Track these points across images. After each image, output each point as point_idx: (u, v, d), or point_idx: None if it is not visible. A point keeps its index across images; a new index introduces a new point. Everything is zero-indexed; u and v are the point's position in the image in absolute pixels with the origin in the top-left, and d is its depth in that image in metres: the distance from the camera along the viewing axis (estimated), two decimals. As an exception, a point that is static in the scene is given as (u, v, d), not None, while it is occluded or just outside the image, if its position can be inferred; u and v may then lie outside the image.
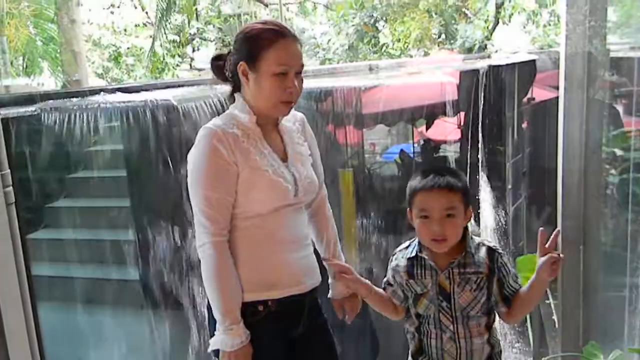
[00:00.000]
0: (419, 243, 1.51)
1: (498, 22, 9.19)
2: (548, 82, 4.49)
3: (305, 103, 2.87)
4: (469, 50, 8.63)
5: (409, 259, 1.52)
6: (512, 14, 9.17)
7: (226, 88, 1.58)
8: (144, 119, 2.30)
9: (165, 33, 9.68)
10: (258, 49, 1.44)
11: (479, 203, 3.82)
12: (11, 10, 8.36)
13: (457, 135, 4.42)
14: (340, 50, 9.13)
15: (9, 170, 1.44)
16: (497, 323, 1.56)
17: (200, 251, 1.45)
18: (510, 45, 8.48)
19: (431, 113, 4.50)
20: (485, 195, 3.91)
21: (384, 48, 9.31)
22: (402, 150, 5.24)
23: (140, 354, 2.83)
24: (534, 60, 4.46)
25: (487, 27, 9.12)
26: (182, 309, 2.58)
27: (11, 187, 1.42)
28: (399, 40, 9.21)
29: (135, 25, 11.39)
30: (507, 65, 4.09)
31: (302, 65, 1.49)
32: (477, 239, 1.51)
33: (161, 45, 10.01)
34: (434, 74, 4.16)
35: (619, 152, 2.95)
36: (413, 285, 1.50)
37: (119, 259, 3.02)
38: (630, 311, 2.50)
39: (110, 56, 11.13)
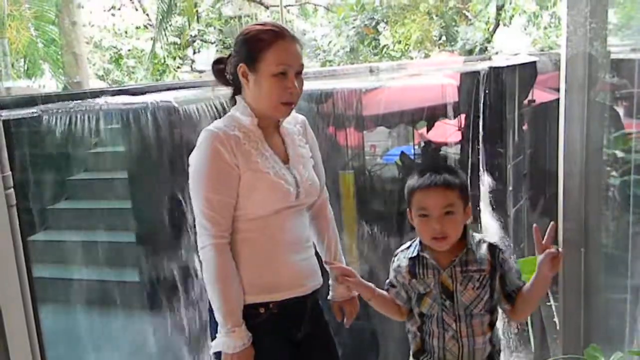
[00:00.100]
0: (420, 242, 1.51)
1: (499, 24, 9.20)
2: (549, 84, 4.50)
3: (306, 105, 2.88)
4: (470, 52, 8.64)
5: (410, 258, 1.52)
6: (513, 15, 9.18)
7: (227, 90, 1.58)
8: (145, 121, 2.30)
9: (165, 35, 9.69)
10: (257, 50, 1.44)
11: (479, 205, 3.82)
12: (12, 12, 8.37)
13: (457, 137, 4.42)
14: (341, 53, 9.13)
15: (10, 173, 1.45)
16: (499, 323, 1.56)
17: (202, 253, 1.45)
18: (511, 47, 8.48)
19: (432, 115, 4.50)
20: (486, 197, 3.90)
21: (385, 50, 9.31)
22: (402, 152, 5.24)
23: (141, 356, 2.83)
24: (534, 62, 4.46)
25: (488, 29, 9.13)
26: (183, 311, 2.58)
27: (12, 189, 1.42)
28: (399, 42, 9.22)
29: (136, 28, 11.41)
30: (507, 67, 4.09)
31: (302, 66, 1.49)
32: (477, 236, 1.51)
33: (162, 47, 10.03)
34: (434, 76, 4.17)
35: (619, 154, 2.95)
36: (416, 285, 1.50)
37: (120, 261, 3.02)
38: (632, 313, 2.49)
39: (111, 58, 11.15)
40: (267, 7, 10.92)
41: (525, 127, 4.57)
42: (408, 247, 1.55)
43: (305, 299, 1.54)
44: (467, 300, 1.46)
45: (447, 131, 4.59)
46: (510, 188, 4.06)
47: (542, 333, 3.60)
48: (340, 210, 3.26)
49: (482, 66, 3.96)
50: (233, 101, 1.56)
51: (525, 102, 4.54)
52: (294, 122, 1.62)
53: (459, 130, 4.35)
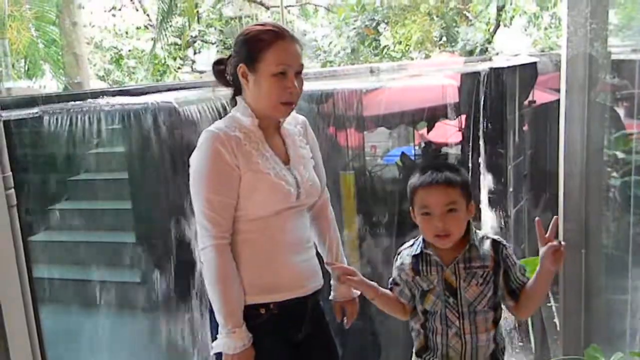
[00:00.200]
0: (423, 240, 1.51)
1: (499, 25, 9.20)
2: (549, 84, 4.50)
3: (307, 105, 2.88)
4: (470, 52, 8.64)
5: (414, 256, 1.51)
6: (513, 16, 9.18)
7: (228, 91, 1.58)
8: (146, 121, 2.30)
9: (166, 36, 9.70)
10: (257, 51, 1.44)
11: (479, 205, 3.81)
12: (13, 12, 8.37)
13: (458, 137, 4.43)
14: (342, 54, 9.13)
15: (10, 173, 1.45)
16: (502, 321, 1.55)
17: (202, 254, 1.45)
18: (512, 48, 8.48)
19: (432, 115, 4.50)
20: (487, 197, 3.90)
21: (385, 51, 9.31)
22: (403, 152, 5.24)
23: (142, 357, 2.83)
24: (535, 63, 4.47)
25: (488, 30, 9.13)
26: (183, 312, 2.57)
27: (13, 190, 1.43)
28: (400, 43, 9.22)
29: (137, 28, 11.41)
30: (508, 67, 4.10)
31: (302, 66, 1.49)
32: (480, 233, 1.51)
33: (162, 48, 10.03)
34: (435, 76, 4.17)
35: (620, 154, 2.95)
36: (419, 282, 1.50)
37: (121, 262, 3.02)
38: (632, 314, 2.49)
39: (111, 59, 11.16)
40: (267, 8, 10.92)
41: (525, 128, 4.58)
42: (411, 245, 1.55)
43: (306, 300, 1.54)
44: (471, 297, 1.46)
45: (448, 132, 4.60)
46: (511, 189, 4.07)
47: (542, 334, 3.60)
48: (340, 210, 3.26)
49: (483, 67, 3.97)
50: (234, 102, 1.56)
51: (526, 102, 4.54)
52: (294, 122, 1.62)
53: (459, 130, 4.35)
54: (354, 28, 9.05)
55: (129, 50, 11.22)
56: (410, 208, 1.51)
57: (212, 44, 11.27)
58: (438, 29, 9.23)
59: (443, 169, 1.47)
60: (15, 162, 1.50)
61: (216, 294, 1.42)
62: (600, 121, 2.46)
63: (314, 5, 11.62)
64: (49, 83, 9.28)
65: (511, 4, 8.87)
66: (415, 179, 1.48)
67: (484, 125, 3.87)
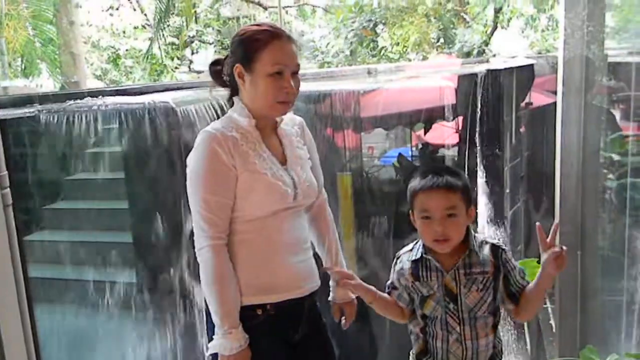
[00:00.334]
0: (423, 245, 1.51)
1: (496, 27, 9.23)
2: (546, 86, 4.51)
3: (304, 106, 2.88)
4: (468, 54, 8.66)
5: (413, 261, 1.51)
6: (511, 18, 9.21)
7: (225, 91, 1.58)
8: (142, 121, 2.30)
9: (163, 35, 9.69)
10: (253, 50, 1.44)
11: (476, 207, 3.82)
12: (10, 11, 8.35)
13: (455, 139, 4.43)
14: (341, 56, 9.14)
15: (6, 172, 1.44)
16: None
17: (199, 255, 1.44)
18: (509, 50, 8.50)
19: (429, 117, 4.51)
20: (483, 199, 3.91)
21: (383, 52, 9.32)
22: (400, 154, 5.25)
23: (137, 358, 2.82)
24: (532, 65, 4.47)
25: (486, 32, 9.15)
26: (178, 312, 2.57)
27: (8, 189, 1.42)
28: (397, 44, 9.23)
29: (134, 28, 11.40)
30: (505, 69, 4.11)
31: (298, 65, 1.49)
32: (479, 237, 1.50)
33: (160, 48, 10.02)
34: (432, 78, 4.17)
35: (616, 157, 2.96)
36: (419, 287, 1.49)
37: (116, 262, 3.01)
38: (628, 315, 2.50)
39: (108, 58, 11.14)
40: (265, 8, 10.92)
41: (522, 130, 4.58)
42: (411, 250, 1.54)
43: (303, 301, 1.54)
44: (471, 303, 1.45)
45: (445, 133, 4.60)
46: (508, 190, 4.07)
47: (538, 335, 3.61)
48: (337, 211, 3.26)
49: (480, 69, 3.97)
50: (231, 102, 1.55)
51: (523, 104, 4.55)
52: (291, 123, 1.62)
53: (456, 132, 4.35)
54: (352, 30, 9.06)
55: (126, 50, 11.21)
56: (410, 211, 1.50)
57: (210, 44, 11.27)
58: (435, 30, 9.26)
59: (444, 173, 1.46)
60: (11, 161, 1.50)
61: (212, 294, 1.42)
62: (597, 123, 2.46)
63: (312, 5, 11.63)
64: (45, 82, 9.26)
65: (508, 6, 8.91)
66: (415, 183, 1.47)
67: (481, 127, 3.87)
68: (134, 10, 11.26)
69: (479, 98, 3.82)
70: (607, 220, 2.75)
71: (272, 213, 1.47)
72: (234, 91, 1.54)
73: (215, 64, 1.56)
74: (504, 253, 1.47)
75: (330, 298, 1.71)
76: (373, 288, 1.56)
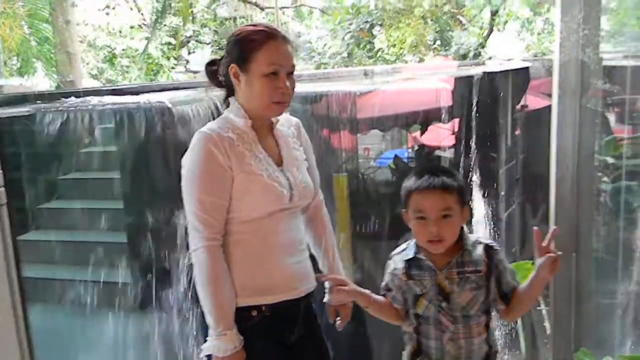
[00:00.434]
0: (416, 244, 1.51)
1: (492, 29, 9.25)
2: (541, 89, 4.53)
3: (300, 107, 2.88)
4: (464, 56, 8.68)
5: (406, 261, 1.51)
6: (507, 21, 9.24)
7: (222, 92, 1.58)
8: (138, 121, 2.29)
9: (160, 35, 9.67)
10: (248, 51, 1.44)
11: (471, 209, 3.83)
12: (6, 10, 8.32)
13: (451, 141, 4.44)
14: (338, 58, 9.14)
15: (0, 171, 1.43)
16: (494, 324, 1.56)
17: (194, 256, 1.44)
18: (505, 53, 8.53)
19: (425, 119, 4.52)
20: (479, 201, 3.92)
21: (379, 53, 9.34)
22: (396, 155, 5.26)
23: (131, 358, 2.81)
24: (527, 68, 4.49)
25: (482, 34, 9.18)
26: (173, 313, 2.56)
27: (3, 188, 1.41)
28: (394, 46, 9.25)
29: (131, 27, 11.37)
30: (501, 72, 4.12)
31: (294, 66, 1.49)
32: (472, 237, 1.51)
33: (156, 48, 10.00)
34: (428, 80, 4.18)
35: (610, 160, 2.98)
36: (412, 286, 1.50)
37: (111, 262, 3.00)
38: (622, 318, 2.51)
39: (105, 57, 11.11)
40: (262, 9, 10.92)
41: (518, 132, 4.60)
42: (403, 250, 1.55)
43: (299, 302, 1.54)
44: (464, 302, 1.45)
45: (441, 135, 4.61)
46: (503, 192, 4.08)
47: (532, 337, 3.61)
48: (333, 212, 3.26)
49: (476, 71, 3.98)
50: (226, 103, 1.55)
51: (518, 107, 4.57)
52: (288, 124, 1.62)
53: (452, 134, 4.36)
54: (349, 31, 9.07)
55: (123, 49, 11.18)
56: (404, 211, 1.50)
57: (207, 44, 11.25)
58: (432, 32, 9.27)
59: (440, 173, 1.46)
60: (6, 160, 1.49)
61: (207, 295, 1.42)
62: (592, 126, 2.47)
63: (309, 7, 11.63)
64: (41, 81, 9.22)
65: (505, 9, 8.93)
66: (411, 182, 1.47)
67: (476, 129, 3.88)
68: (131, 9, 11.23)
69: (474, 100, 3.83)
70: (601, 222, 2.77)
71: (268, 214, 1.47)
72: (230, 92, 1.54)
73: (211, 64, 1.56)
74: (497, 253, 1.48)
75: (325, 300, 1.70)
76: (367, 292, 1.56)
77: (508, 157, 4.20)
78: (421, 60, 9.08)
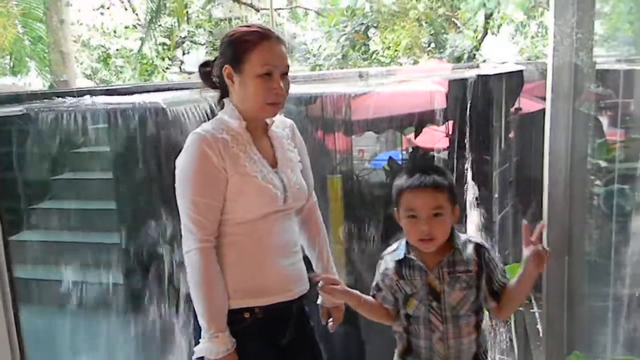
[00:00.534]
0: (407, 243, 1.51)
1: (487, 33, 9.29)
2: (535, 92, 4.55)
3: (295, 109, 2.87)
4: (458, 59, 8.71)
5: (397, 261, 1.51)
6: (501, 24, 9.27)
7: (216, 93, 1.57)
8: (132, 121, 2.29)
9: (155, 35, 9.64)
10: (242, 51, 1.44)
11: (465, 211, 3.84)
12: (-1, 8, 8.27)
13: (445, 143, 4.45)
14: (333, 60, 9.15)
15: (-8, 171, 1.42)
16: (485, 325, 1.56)
17: (187, 257, 1.43)
18: (499, 56, 8.57)
19: (420, 121, 4.52)
20: (472, 203, 3.93)
21: (374, 55, 9.36)
22: (390, 157, 5.27)
23: (123, 358, 2.80)
24: (521, 71, 4.51)
25: (476, 37, 9.21)
26: (166, 314, 2.55)
27: (-5, 188, 1.40)
28: (389, 48, 9.27)
29: (125, 27, 11.33)
30: (495, 75, 4.13)
31: (288, 67, 1.49)
32: (463, 236, 1.51)
33: (150, 48, 9.97)
34: (423, 82, 4.19)
35: (603, 163, 2.99)
36: (403, 285, 1.50)
37: (104, 262, 2.98)
38: (614, 321, 2.52)
39: (99, 57, 11.06)
40: (257, 10, 10.92)
41: (511, 135, 4.62)
42: (395, 250, 1.54)
43: (291, 304, 1.53)
44: (454, 301, 1.46)
45: (435, 137, 4.62)
46: (496, 195, 4.09)
47: (525, 340, 3.63)
48: (327, 214, 3.26)
49: (470, 74, 4.00)
50: (221, 104, 1.55)
51: (512, 110, 4.59)
52: (282, 126, 1.61)
53: (446, 136, 4.37)
54: (344, 34, 9.08)
55: (117, 50, 11.14)
56: (395, 209, 1.50)
57: (202, 45, 11.23)
58: (427, 35, 9.31)
59: (431, 172, 1.46)
60: (-2, 160, 1.48)
61: (200, 297, 1.41)
62: (585, 130, 2.48)
63: (304, 8, 11.64)
64: (34, 80, 9.17)
65: (499, 12, 8.97)
66: (402, 181, 1.47)
67: (470, 132, 3.89)
68: (125, 9, 11.20)
69: (469, 103, 3.84)
70: (594, 226, 2.78)
71: (262, 216, 1.46)
72: (224, 93, 1.53)
73: (204, 65, 1.55)
74: (487, 252, 1.49)
75: (319, 301, 1.71)
76: (357, 292, 1.56)
77: (502, 159, 4.22)
78: (416, 62, 9.11)
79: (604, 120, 3.24)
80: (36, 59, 8.92)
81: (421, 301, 1.47)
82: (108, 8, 10.86)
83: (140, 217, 2.72)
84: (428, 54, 9.33)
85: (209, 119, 1.56)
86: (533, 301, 3.62)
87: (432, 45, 9.40)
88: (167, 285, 2.54)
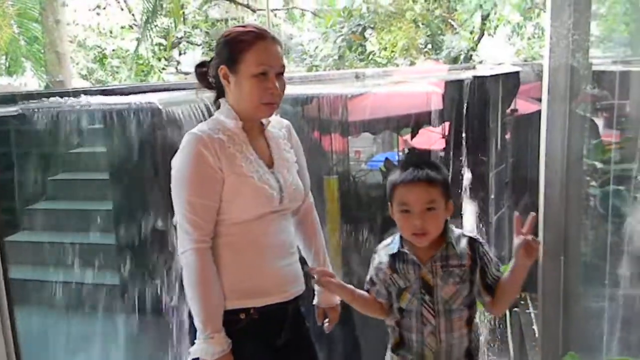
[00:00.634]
0: (401, 238, 1.51)
1: (483, 34, 9.31)
2: (531, 93, 4.56)
3: (291, 109, 2.87)
4: (455, 60, 8.72)
5: (391, 255, 1.51)
6: (498, 25, 9.29)
7: (212, 93, 1.57)
8: (128, 121, 2.28)
9: (151, 36, 9.62)
10: (237, 52, 1.44)
11: (461, 212, 3.84)
12: (-5, 8, 8.24)
13: (441, 144, 4.46)
14: (330, 60, 9.15)
15: (-13, 172, 1.41)
16: (477, 321, 1.56)
17: (183, 258, 1.43)
18: (495, 57, 8.59)
19: (416, 122, 4.53)
20: (468, 204, 3.94)
21: (371, 56, 9.36)
22: (387, 158, 5.27)
23: (120, 358, 2.79)
24: (517, 72, 4.52)
25: (473, 38, 9.23)
26: (163, 314, 2.55)
27: (-11, 189, 1.39)
28: (385, 49, 9.28)
29: (121, 27, 11.31)
30: (491, 76, 4.15)
31: (283, 67, 1.49)
32: (457, 231, 1.51)
33: (147, 48, 9.95)
34: (419, 83, 4.20)
35: (599, 164, 3.00)
36: (397, 279, 1.50)
37: (99, 263, 2.98)
38: (610, 322, 2.52)
39: (95, 58, 11.04)
40: (254, 11, 10.91)
41: (507, 136, 4.63)
42: (389, 244, 1.55)
43: (287, 305, 1.53)
44: (447, 295, 1.46)
45: (432, 138, 4.63)
46: (492, 196, 4.10)
47: (520, 340, 3.63)
48: (324, 214, 3.26)
49: (467, 75, 4.01)
50: (217, 104, 1.55)
51: (508, 111, 4.60)
52: (278, 126, 1.61)
53: (443, 137, 4.38)
54: (341, 35, 9.08)
55: (113, 50, 11.13)
56: (389, 204, 1.50)
57: (198, 45, 11.22)
58: (423, 36, 9.32)
59: (424, 166, 1.46)
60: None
61: (195, 298, 1.41)
62: (581, 131, 2.49)
63: (301, 9, 11.64)
64: (30, 81, 9.15)
65: (495, 14, 8.99)
66: (396, 175, 1.47)
67: (467, 133, 3.90)
68: (121, 10, 11.18)
69: (465, 104, 3.85)
70: (590, 226, 2.78)
71: (258, 216, 1.46)
72: (220, 93, 1.53)
73: (200, 65, 1.55)
74: (481, 246, 1.49)
75: (315, 302, 1.71)
76: (352, 287, 1.57)
77: (498, 160, 4.23)
78: (412, 63, 9.12)
79: (600, 122, 3.24)
80: (32, 59, 8.89)
81: (414, 295, 1.48)
82: (104, 8, 10.84)
83: (137, 217, 2.71)
84: (425, 55, 9.34)
85: (205, 120, 1.56)
86: (529, 302, 3.62)
87: (429, 46, 9.42)
88: (164, 286, 2.54)
